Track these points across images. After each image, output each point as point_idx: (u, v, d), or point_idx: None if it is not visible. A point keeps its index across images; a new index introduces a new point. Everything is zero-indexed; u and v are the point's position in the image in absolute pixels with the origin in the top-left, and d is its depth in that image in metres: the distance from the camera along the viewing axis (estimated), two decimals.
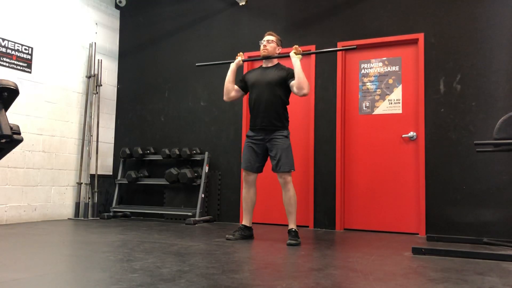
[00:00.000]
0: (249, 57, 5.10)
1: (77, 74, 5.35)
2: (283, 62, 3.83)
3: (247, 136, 3.73)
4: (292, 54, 3.58)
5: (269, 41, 3.69)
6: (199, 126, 5.32)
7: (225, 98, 3.80)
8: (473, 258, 2.87)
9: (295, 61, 3.53)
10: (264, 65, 3.75)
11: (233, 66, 3.78)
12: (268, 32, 3.78)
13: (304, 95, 3.52)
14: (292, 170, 3.53)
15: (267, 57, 3.69)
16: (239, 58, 3.80)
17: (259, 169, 3.70)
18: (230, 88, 3.75)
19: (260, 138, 3.61)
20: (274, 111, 3.57)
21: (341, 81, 4.65)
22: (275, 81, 3.57)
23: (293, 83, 3.51)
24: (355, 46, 3.73)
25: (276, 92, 3.57)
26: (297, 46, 3.63)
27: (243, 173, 3.72)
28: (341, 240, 3.85)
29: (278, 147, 3.52)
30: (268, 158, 3.67)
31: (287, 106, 3.68)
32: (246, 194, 3.70)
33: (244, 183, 3.71)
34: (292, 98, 4.95)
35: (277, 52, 3.73)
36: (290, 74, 3.55)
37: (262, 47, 3.69)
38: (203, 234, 3.99)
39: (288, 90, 3.62)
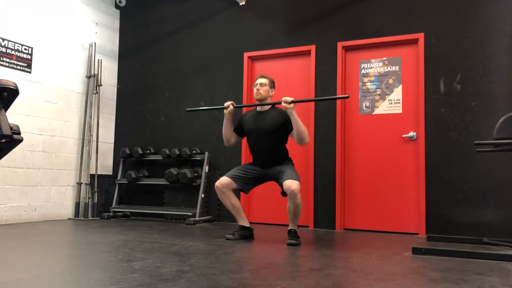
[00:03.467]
0: (249, 57, 5.13)
1: (77, 74, 5.35)
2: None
3: (250, 163, 3.75)
4: (285, 105, 3.44)
5: (262, 84, 3.64)
6: (199, 126, 5.32)
7: (226, 144, 3.80)
8: (473, 258, 2.87)
9: (291, 112, 3.44)
10: (259, 109, 3.71)
11: (227, 115, 3.70)
12: (260, 75, 3.74)
13: (305, 144, 3.52)
14: (298, 181, 3.39)
15: (261, 103, 3.65)
16: (230, 107, 3.67)
17: (244, 187, 3.66)
18: (229, 135, 3.74)
19: (262, 169, 3.65)
20: (274, 154, 3.59)
21: (341, 81, 4.65)
22: (271, 129, 3.55)
23: (294, 134, 3.49)
24: (347, 96, 3.60)
25: (274, 138, 3.56)
26: (285, 98, 3.43)
27: (222, 181, 3.61)
28: (341, 240, 3.85)
29: (281, 168, 3.52)
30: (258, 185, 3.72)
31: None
32: (226, 202, 3.65)
33: (217, 192, 3.64)
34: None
35: (271, 94, 3.70)
36: (288, 122, 3.50)
37: (255, 90, 3.66)
38: (203, 234, 3.99)
39: (285, 132, 3.58)
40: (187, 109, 4.14)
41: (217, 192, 3.66)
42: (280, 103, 3.52)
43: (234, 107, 3.71)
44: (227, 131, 3.74)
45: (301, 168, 4.72)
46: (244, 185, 3.67)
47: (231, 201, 3.65)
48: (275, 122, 3.55)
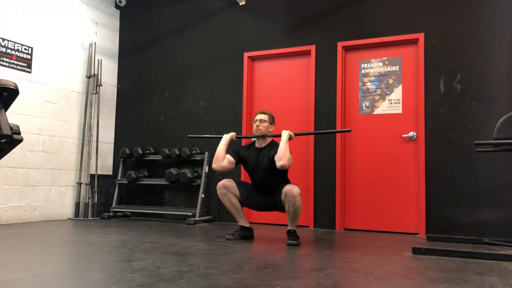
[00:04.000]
0: (249, 57, 5.12)
1: (77, 74, 5.34)
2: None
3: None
4: (284, 131, 3.52)
5: (262, 121, 3.63)
6: (199, 126, 5.32)
7: (215, 165, 3.63)
8: (473, 258, 2.87)
9: (283, 134, 3.49)
10: (257, 145, 3.68)
11: (227, 138, 3.71)
12: (260, 111, 3.74)
13: (282, 166, 3.35)
14: (297, 186, 3.43)
15: (261, 137, 3.64)
16: (232, 133, 3.75)
17: (244, 200, 3.64)
18: (222, 156, 3.63)
19: (263, 196, 3.66)
20: (276, 186, 3.56)
21: (341, 81, 4.65)
22: (270, 166, 3.52)
23: (276, 156, 3.43)
24: (349, 129, 3.74)
25: (274, 175, 3.54)
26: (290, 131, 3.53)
27: (226, 183, 3.63)
28: (341, 240, 3.85)
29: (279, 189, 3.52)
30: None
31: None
32: (226, 202, 3.66)
33: (218, 191, 3.65)
34: (292, 98, 4.95)
35: (270, 130, 3.68)
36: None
37: (255, 126, 3.65)
38: (203, 234, 3.99)
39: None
40: (188, 135, 4.28)
41: (218, 191, 3.66)
42: (279, 135, 3.54)
43: (237, 137, 3.79)
44: (221, 151, 3.65)
45: (301, 168, 4.72)
46: (245, 198, 3.65)
47: (231, 201, 3.65)
48: (271, 158, 3.51)
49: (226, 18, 5.32)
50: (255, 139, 3.72)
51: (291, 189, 3.34)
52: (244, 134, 4.96)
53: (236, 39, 5.23)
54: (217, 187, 3.66)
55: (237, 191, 3.65)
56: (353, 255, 2.95)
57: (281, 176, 3.60)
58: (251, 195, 3.66)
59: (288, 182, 3.62)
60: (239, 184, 3.70)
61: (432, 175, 4.18)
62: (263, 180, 3.60)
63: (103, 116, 5.62)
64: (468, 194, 4.03)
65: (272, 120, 3.70)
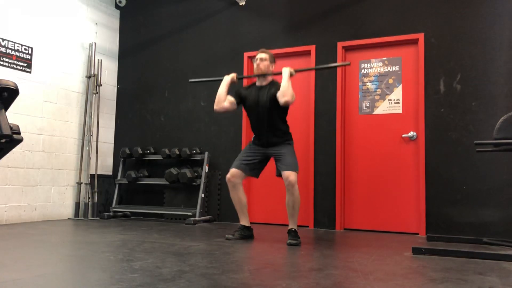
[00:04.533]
0: (249, 57, 5.12)
1: (77, 74, 5.34)
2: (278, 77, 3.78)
3: (251, 143, 3.74)
4: (284, 68, 3.57)
5: (262, 59, 3.65)
6: (199, 126, 5.32)
7: (216, 107, 3.68)
8: (473, 258, 2.87)
9: (284, 72, 3.54)
10: (258, 84, 3.70)
11: (228, 79, 3.73)
12: (260, 50, 3.76)
13: (286, 102, 3.43)
14: (295, 171, 3.45)
15: (261, 75, 3.65)
16: (233, 74, 3.77)
17: (253, 173, 3.67)
18: (223, 98, 3.67)
19: (264, 149, 3.64)
20: (276, 131, 3.57)
21: (341, 81, 4.65)
22: (270, 103, 3.54)
23: (279, 93, 3.47)
24: (348, 63, 3.84)
25: (274, 112, 3.55)
26: (290, 68, 3.59)
27: (233, 173, 3.61)
28: (341, 240, 3.85)
29: (282, 151, 3.53)
30: (265, 167, 3.71)
31: (287, 115, 3.67)
32: (235, 196, 3.65)
33: (229, 185, 3.64)
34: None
35: (271, 69, 3.69)
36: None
37: (255, 65, 3.68)
38: (203, 234, 3.99)
39: (284, 106, 3.56)
40: (190, 80, 4.26)
41: (228, 184, 3.65)
42: (280, 73, 3.57)
43: (238, 77, 3.79)
44: (222, 93, 3.67)
45: (301, 168, 4.70)
46: (252, 171, 3.68)
47: (239, 196, 3.65)
48: (271, 96, 3.54)
49: (226, 18, 5.32)
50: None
51: (288, 177, 3.37)
52: (244, 128, 4.98)
53: (236, 39, 5.23)
54: (227, 180, 3.64)
55: (244, 174, 3.65)
56: (353, 255, 2.95)
57: (280, 117, 3.59)
58: (254, 160, 3.64)
59: (286, 130, 3.63)
60: (242, 165, 3.64)
61: (432, 175, 4.18)
62: (261, 118, 3.58)
63: (103, 116, 5.62)
64: (468, 194, 4.03)
65: (272, 59, 3.72)
